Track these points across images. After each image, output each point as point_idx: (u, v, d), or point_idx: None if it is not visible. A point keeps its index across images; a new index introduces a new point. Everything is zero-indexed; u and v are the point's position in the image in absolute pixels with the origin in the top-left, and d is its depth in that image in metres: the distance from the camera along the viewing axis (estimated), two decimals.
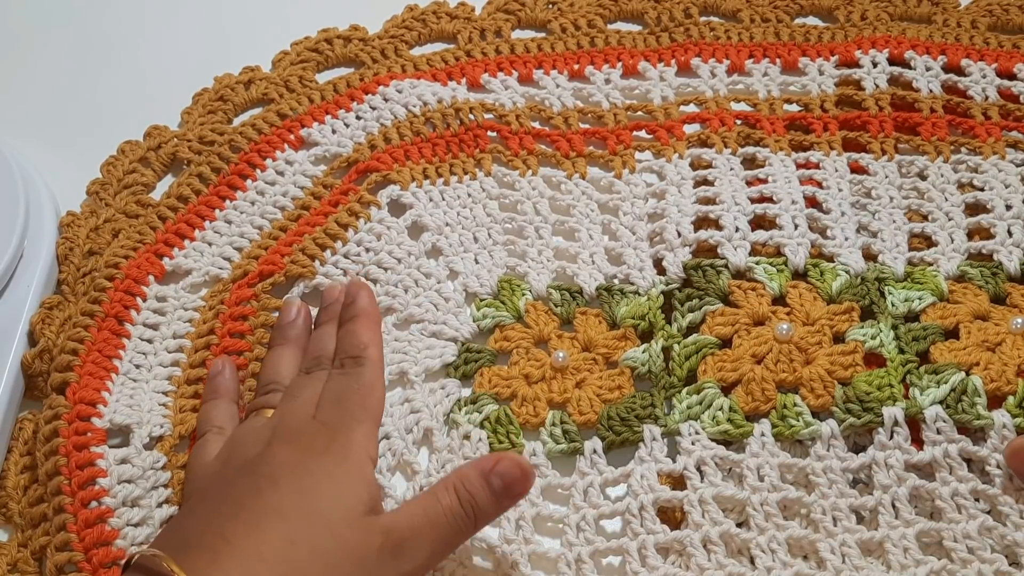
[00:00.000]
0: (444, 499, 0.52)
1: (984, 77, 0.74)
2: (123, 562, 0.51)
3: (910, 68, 0.75)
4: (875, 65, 0.75)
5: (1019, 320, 0.61)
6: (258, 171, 0.71)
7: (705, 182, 0.69)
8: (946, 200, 0.68)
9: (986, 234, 0.67)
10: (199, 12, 0.83)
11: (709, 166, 0.70)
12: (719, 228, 0.66)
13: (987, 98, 0.73)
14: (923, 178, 0.70)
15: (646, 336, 0.63)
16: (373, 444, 0.56)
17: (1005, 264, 0.65)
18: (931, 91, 0.73)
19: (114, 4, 0.83)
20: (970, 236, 0.67)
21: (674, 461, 0.58)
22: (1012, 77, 0.74)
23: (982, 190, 0.68)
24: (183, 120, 0.75)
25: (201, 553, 0.48)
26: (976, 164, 0.70)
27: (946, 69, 0.75)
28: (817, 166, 0.70)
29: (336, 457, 0.53)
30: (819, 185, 0.69)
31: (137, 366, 0.63)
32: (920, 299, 0.63)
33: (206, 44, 0.80)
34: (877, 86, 0.74)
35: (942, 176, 0.69)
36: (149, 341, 0.64)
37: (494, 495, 0.52)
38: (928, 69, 0.75)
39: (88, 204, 0.71)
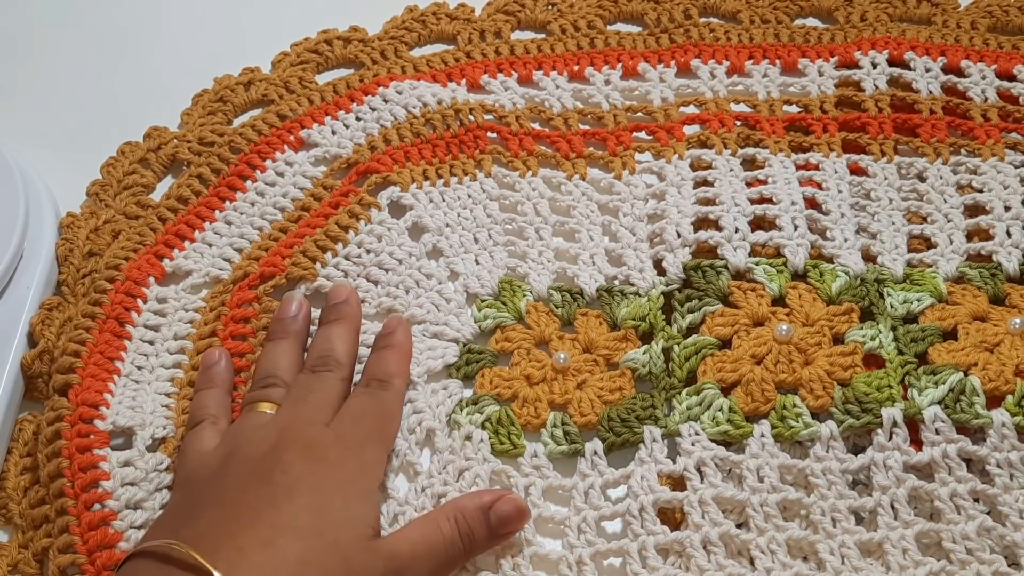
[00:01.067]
0: (444, 529, 0.54)
1: (984, 78, 0.74)
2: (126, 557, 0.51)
3: (909, 69, 0.75)
4: (875, 66, 0.75)
5: (1017, 320, 0.61)
6: (258, 172, 0.71)
7: (705, 183, 0.69)
8: (945, 202, 0.68)
9: (985, 235, 0.67)
10: (199, 13, 0.83)
11: (709, 167, 0.70)
12: (719, 229, 0.66)
13: (986, 99, 0.73)
14: (922, 180, 0.70)
15: (647, 337, 0.63)
16: (382, 469, 0.57)
17: (1004, 265, 0.65)
18: (931, 92, 0.74)
19: (114, 5, 0.83)
20: (969, 237, 0.67)
21: (674, 462, 0.58)
22: (1012, 78, 0.74)
23: (981, 191, 0.68)
24: (183, 121, 0.75)
25: (216, 562, 0.48)
26: (975, 166, 0.70)
27: (945, 70, 0.75)
28: (817, 167, 0.70)
29: (349, 475, 0.54)
30: (819, 186, 0.69)
31: (139, 367, 0.63)
32: (919, 300, 0.63)
33: (206, 45, 0.80)
34: (877, 87, 0.74)
35: (941, 178, 0.69)
36: (150, 343, 0.64)
37: (490, 530, 0.54)
38: (928, 70, 0.75)
39: (88, 205, 0.71)
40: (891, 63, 0.75)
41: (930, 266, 0.65)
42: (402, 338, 0.62)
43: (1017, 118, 0.72)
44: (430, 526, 0.54)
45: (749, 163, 0.70)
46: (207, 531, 0.50)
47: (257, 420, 0.57)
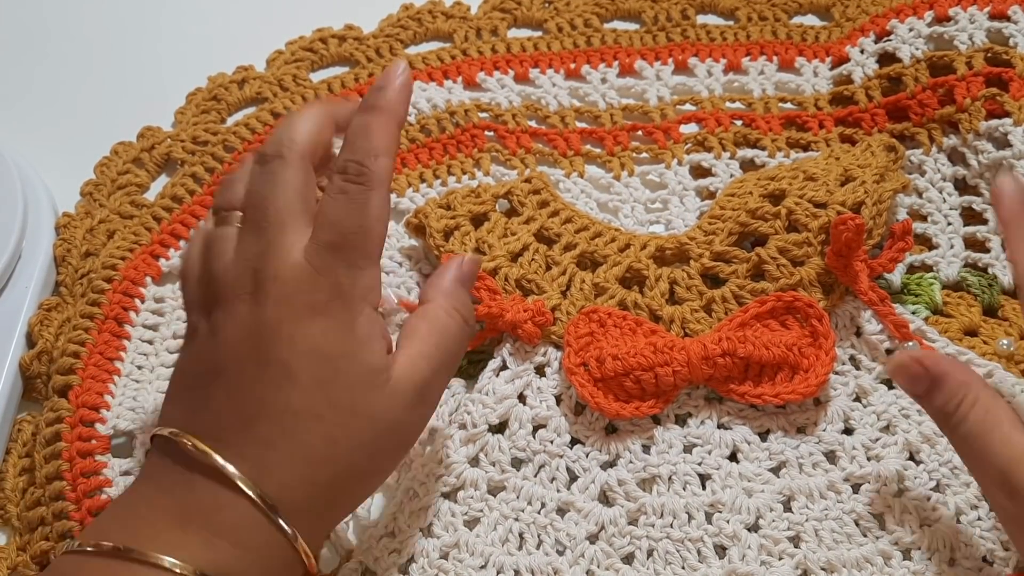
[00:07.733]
0: (452, 327, 0.52)
1: (972, 23, 0.70)
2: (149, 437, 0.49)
3: (894, 39, 0.72)
4: (862, 52, 0.73)
5: (1005, 342, 0.60)
6: None
7: (708, 193, 0.69)
8: (944, 201, 0.67)
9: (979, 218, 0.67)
10: (193, 11, 0.82)
11: (709, 173, 0.70)
12: None
13: (973, 43, 0.69)
14: (922, 174, 0.68)
15: None
16: (377, 290, 0.50)
17: (1000, 278, 0.64)
18: (913, 55, 0.70)
19: (110, 4, 0.83)
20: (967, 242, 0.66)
21: None
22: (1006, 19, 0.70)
23: (977, 193, 0.67)
24: (176, 120, 0.75)
25: (242, 462, 0.46)
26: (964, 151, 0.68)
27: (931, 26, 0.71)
28: None
29: (343, 324, 0.48)
30: None
31: (139, 367, 0.63)
32: (914, 315, 0.62)
33: (201, 44, 0.80)
34: (865, 74, 0.72)
35: (939, 172, 0.68)
36: (149, 342, 0.64)
37: (468, 292, 0.55)
38: (911, 30, 0.71)
39: (83, 205, 0.70)
40: (877, 39, 0.73)
41: (931, 268, 0.65)
42: (394, 99, 0.51)
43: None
44: (439, 332, 0.51)
45: (749, 163, 0.70)
46: (222, 424, 0.47)
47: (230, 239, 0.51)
